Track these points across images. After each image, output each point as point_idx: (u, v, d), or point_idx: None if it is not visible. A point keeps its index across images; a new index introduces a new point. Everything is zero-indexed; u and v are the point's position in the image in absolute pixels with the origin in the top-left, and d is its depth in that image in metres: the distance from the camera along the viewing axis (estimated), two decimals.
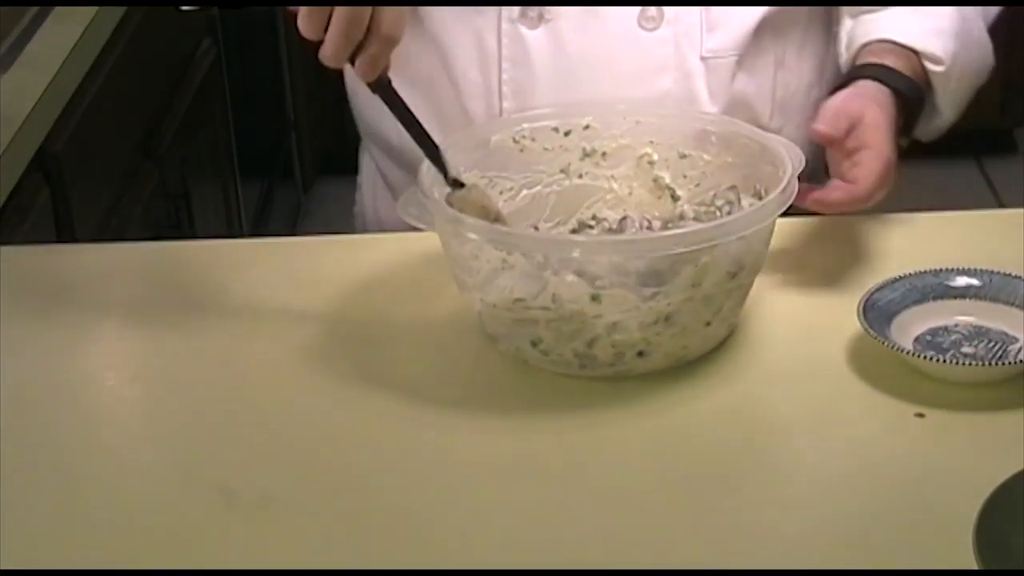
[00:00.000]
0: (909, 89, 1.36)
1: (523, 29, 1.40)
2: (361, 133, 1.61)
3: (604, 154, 1.33)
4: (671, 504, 1.10)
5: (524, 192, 1.32)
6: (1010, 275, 1.26)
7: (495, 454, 1.15)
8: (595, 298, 1.17)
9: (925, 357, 1.20)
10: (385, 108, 1.22)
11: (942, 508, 1.07)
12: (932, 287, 1.27)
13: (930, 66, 1.37)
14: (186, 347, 1.30)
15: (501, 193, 1.32)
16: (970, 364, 1.20)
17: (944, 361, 1.20)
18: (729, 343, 1.26)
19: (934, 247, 1.37)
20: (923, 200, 1.53)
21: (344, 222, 1.70)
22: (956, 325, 1.25)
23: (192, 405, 1.23)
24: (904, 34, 1.37)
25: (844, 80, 1.38)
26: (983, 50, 1.45)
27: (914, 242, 1.39)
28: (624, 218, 1.32)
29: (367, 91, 1.21)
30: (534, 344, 1.22)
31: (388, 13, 1.16)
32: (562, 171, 1.33)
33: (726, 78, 1.44)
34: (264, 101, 3.20)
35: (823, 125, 1.28)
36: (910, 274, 1.27)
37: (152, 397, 1.27)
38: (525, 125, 1.32)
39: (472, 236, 1.19)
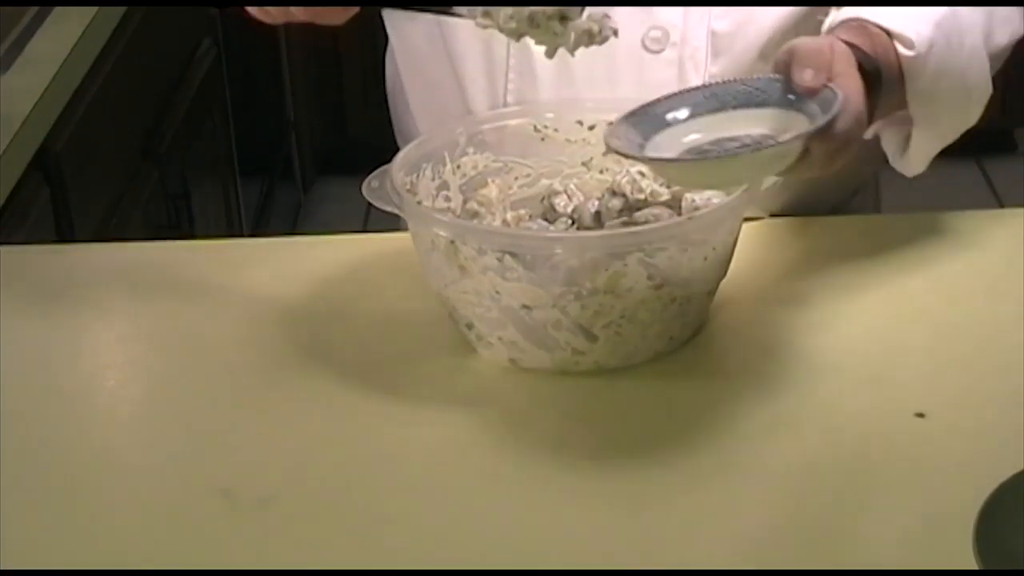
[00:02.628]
0: (867, 62, 1.24)
1: (529, 41, 1.40)
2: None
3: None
4: (668, 502, 1.10)
5: (543, 181, 1.32)
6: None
7: (494, 454, 1.15)
8: (498, 290, 1.19)
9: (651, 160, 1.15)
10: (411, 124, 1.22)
11: (942, 508, 1.07)
12: (736, 95, 1.19)
13: (901, 49, 1.26)
14: (186, 347, 1.30)
15: (516, 179, 1.33)
16: (682, 161, 1.14)
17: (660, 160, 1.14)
18: (726, 340, 1.26)
19: (934, 247, 1.37)
20: (923, 200, 1.53)
21: (344, 222, 1.70)
22: (746, 136, 1.18)
23: (192, 405, 1.23)
24: (877, 14, 1.26)
25: None
26: (975, 63, 1.32)
27: (914, 242, 1.39)
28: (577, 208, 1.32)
29: (403, 105, 1.26)
30: (468, 327, 1.24)
31: None
32: (584, 164, 1.34)
33: None
34: (264, 101, 3.20)
35: (809, 76, 1.17)
36: (718, 82, 1.21)
37: (152, 397, 1.27)
38: (549, 115, 1.33)
39: (403, 213, 1.22)
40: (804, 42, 1.21)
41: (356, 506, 1.11)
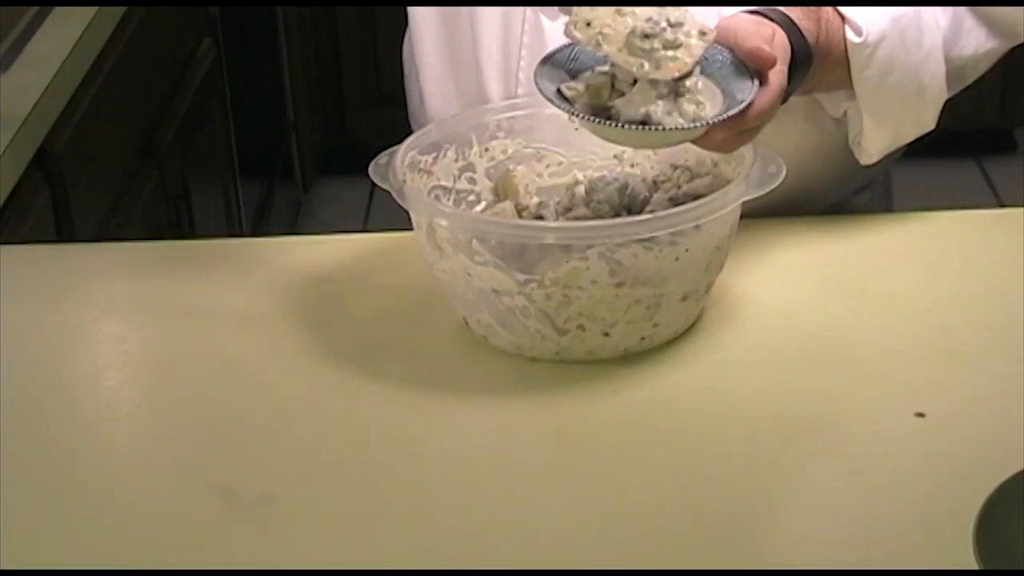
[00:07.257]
0: (799, 48, 1.24)
1: (543, 19, 1.41)
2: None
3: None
4: (667, 499, 1.10)
5: (575, 172, 1.33)
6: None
7: (494, 451, 1.16)
8: (470, 273, 1.20)
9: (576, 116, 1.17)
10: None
11: (942, 508, 1.07)
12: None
13: (850, 35, 1.28)
14: (186, 347, 1.30)
15: (548, 167, 1.34)
16: (601, 123, 1.16)
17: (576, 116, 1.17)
18: (726, 339, 1.26)
19: (934, 247, 1.37)
20: (923, 200, 1.53)
21: (344, 222, 1.70)
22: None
23: (192, 405, 1.23)
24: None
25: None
26: (932, 63, 1.33)
27: (913, 241, 1.39)
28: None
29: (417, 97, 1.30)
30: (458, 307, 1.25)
31: None
32: (615, 157, 1.34)
33: None
34: (264, 101, 3.20)
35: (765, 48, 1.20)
36: None
37: (152, 397, 1.27)
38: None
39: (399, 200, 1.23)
40: (746, 23, 1.23)
41: (356, 505, 1.11)
